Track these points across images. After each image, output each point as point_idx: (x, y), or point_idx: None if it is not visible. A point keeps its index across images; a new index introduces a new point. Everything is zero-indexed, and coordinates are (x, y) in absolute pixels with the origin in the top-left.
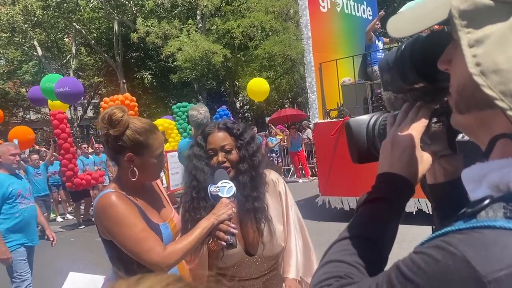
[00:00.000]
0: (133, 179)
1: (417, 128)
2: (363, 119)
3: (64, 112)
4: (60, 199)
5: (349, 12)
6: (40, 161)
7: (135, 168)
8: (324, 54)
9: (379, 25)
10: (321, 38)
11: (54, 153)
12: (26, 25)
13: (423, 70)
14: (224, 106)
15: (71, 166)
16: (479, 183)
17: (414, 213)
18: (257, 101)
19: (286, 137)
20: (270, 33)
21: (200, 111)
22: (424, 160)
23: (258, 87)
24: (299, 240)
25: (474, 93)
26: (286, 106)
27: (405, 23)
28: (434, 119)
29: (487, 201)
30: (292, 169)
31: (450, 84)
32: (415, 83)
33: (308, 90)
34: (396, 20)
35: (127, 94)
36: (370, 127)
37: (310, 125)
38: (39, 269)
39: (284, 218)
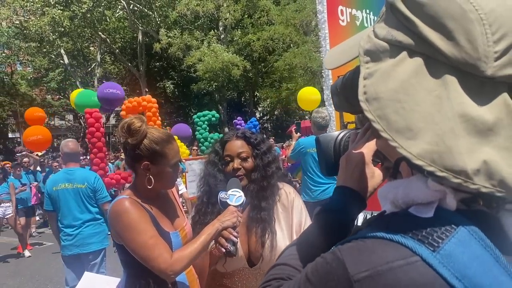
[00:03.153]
0: (149, 187)
1: (369, 146)
2: (332, 135)
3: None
4: None
5: (369, 25)
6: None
7: (151, 176)
8: (343, 67)
9: None
10: None
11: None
12: (54, 36)
13: None
14: (239, 117)
15: (103, 165)
16: (386, 199)
17: None
18: (307, 110)
19: None
20: (291, 45)
21: (324, 114)
22: (376, 175)
23: (309, 95)
24: None
25: None
26: (306, 117)
27: (334, 57)
28: None
29: (377, 215)
30: None
31: None
32: (358, 106)
33: (326, 103)
34: (329, 53)
35: (148, 96)
36: (337, 143)
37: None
38: (54, 271)
39: (292, 235)
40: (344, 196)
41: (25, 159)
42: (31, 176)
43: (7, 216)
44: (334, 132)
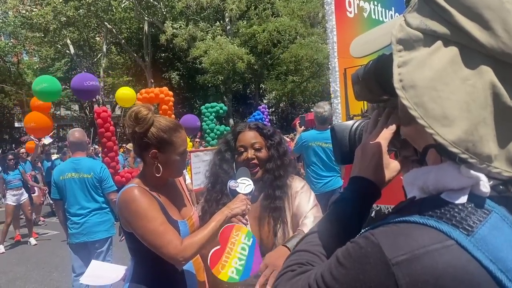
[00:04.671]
0: (157, 175)
1: (384, 136)
2: (347, 124)
3: (108, 111)
4: None
5: (376, 18)
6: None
7: (159, 165)
8: (350, 60)
9: None
10: (347, 43)
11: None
12: (54, 26)
13: (385, 85)
14: (263, 105)
15: (113, 164)
16: (413, 186)
17: None
18: None
19: None
20: (297, 37)
21: (325, 108)
22: (391, 166)
23: None
24: None
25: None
26: (311, 110)
27: (361, 46)
28: None
29: (408, 201)
30: None
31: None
32: (379, 95)
33: (332, 95)
34: (356, 42)
35: (164, 88)
36: (352, 132)
37: None
38: (60, 259)
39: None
40: (359, 186)
41: (22, 150)
42: (27, 166)
43: (21, 202)
44: (348, 121)
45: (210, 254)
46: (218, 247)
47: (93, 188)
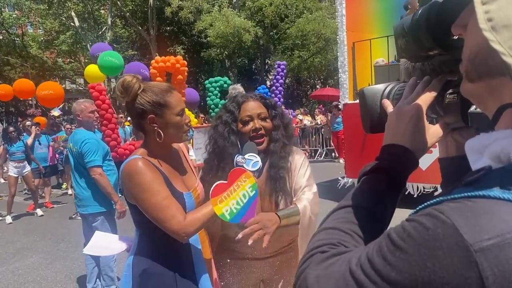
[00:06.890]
0: (159, 141)
1: (424, 99)
2: (378, 88)
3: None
4: None
5: None
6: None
7: (159, 130)
8: (358, 34)
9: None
10: (356, 17)
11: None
12: None
13: (438, 36)
14: (284, 62)
15: (114, 136)
16: (481, 153)
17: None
18: None
19: (323, 115)
20: (304, 11)
21: (240, 90)
22: (431, 132)
23: None
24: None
25: (487, 59)
26: (318, 86)
27: None
28: (450, 90)
29: (484, 171)
30: (319, 150)
31: (462, 51)
32: (429, 50)
33: (340, 70)
34: None
35: (179, 57)
36: (384, 96)
37: (339, 105)
38: (66, 231)
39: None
40: (394, 155)
41: (28, 123)
42: (42, 139)
43: (23, 174)
44: (378, 85)
45: (214, 185)
46: (225, 182)
47: (81, 161)
